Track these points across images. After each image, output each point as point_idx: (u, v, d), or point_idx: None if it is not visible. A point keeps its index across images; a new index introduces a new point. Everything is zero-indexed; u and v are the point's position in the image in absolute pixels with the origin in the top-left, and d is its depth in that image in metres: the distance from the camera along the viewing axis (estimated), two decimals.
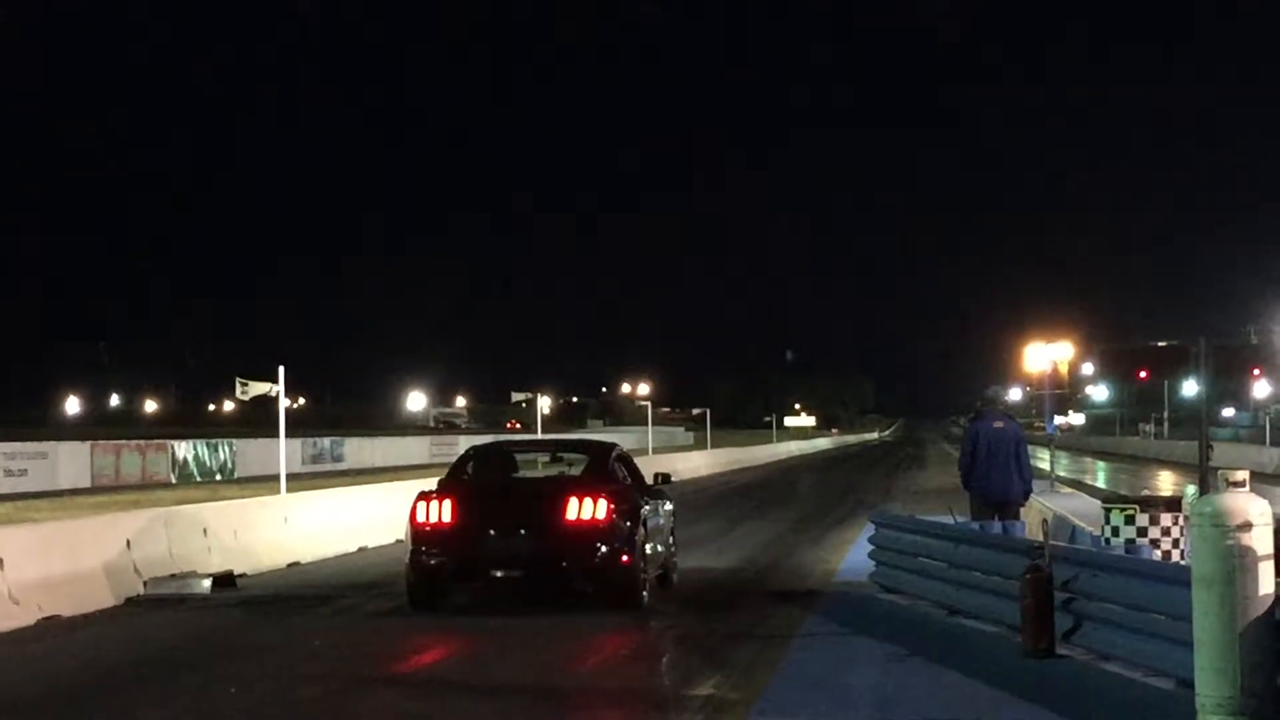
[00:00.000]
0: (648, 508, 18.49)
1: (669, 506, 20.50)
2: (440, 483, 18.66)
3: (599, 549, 17.21)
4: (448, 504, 17.59)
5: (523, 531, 17.37)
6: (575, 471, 19.84)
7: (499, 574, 17.49)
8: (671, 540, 20.35)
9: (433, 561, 17.50)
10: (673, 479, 22.60)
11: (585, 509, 17.30)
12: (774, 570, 22.54)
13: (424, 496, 17.85)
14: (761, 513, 37.20)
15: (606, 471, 18.66)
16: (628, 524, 17.51)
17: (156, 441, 56.53)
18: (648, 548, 18.04)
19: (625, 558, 17.31)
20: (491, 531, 17.43)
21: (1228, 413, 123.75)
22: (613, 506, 17.42)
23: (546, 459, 21.72)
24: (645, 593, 17.73)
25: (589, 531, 17.24)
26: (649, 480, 20.25)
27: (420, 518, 17.61)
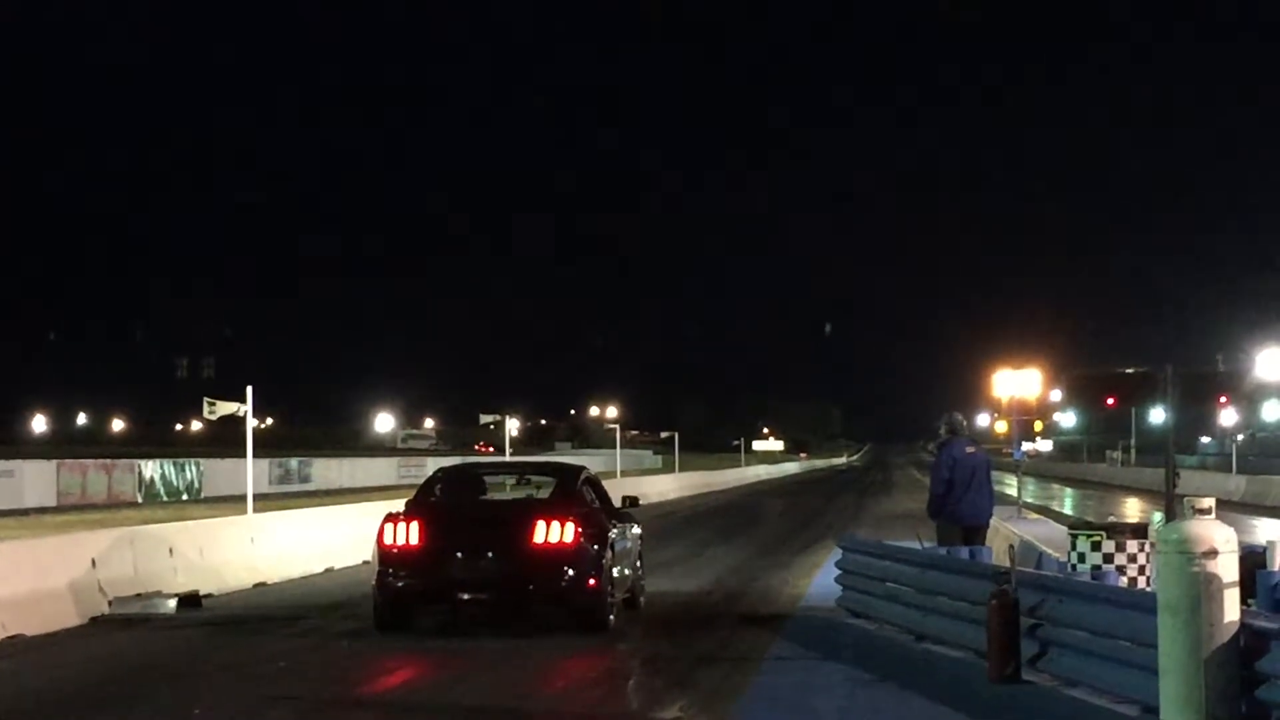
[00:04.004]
0: (615, 531, 18.48)
1: (636, 530, 20.48)
2: (408, 504, 18.58)
3: (566, 572, 17.22)
4: (415, 526, 17.52)
5: (490, 554, 17.36)
6: (543, 494, 19.72)
7: (466, 596, 17.56)
8: (639, 563, 20.33)
9: (400, 584, 17.44)
10: (641, 502, 22.69)
11: (553, 532, 17.27)
12: (741, 594, 22.53)
13: (391, 518, 17.74)
14: (729, 536, 37.17)
15: (574, 495, 18.65)
16: (595, 547, 17.52)
17: (123, 461, 56.35)
18: (615, 571, 18.05)
19: (592, 581, 17.33)
20: (459, 554, 17.40)
21: (1205, 440, 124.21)
22: (580, 530, 17.40)
23: (515, 481, 21.59)
24: (612, 615, 17.72)
25: (556, 555, 17.23)
26: (617, 503, 20.21)
27: (388, 540, 17.53)
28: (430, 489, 19.39)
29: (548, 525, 17.34)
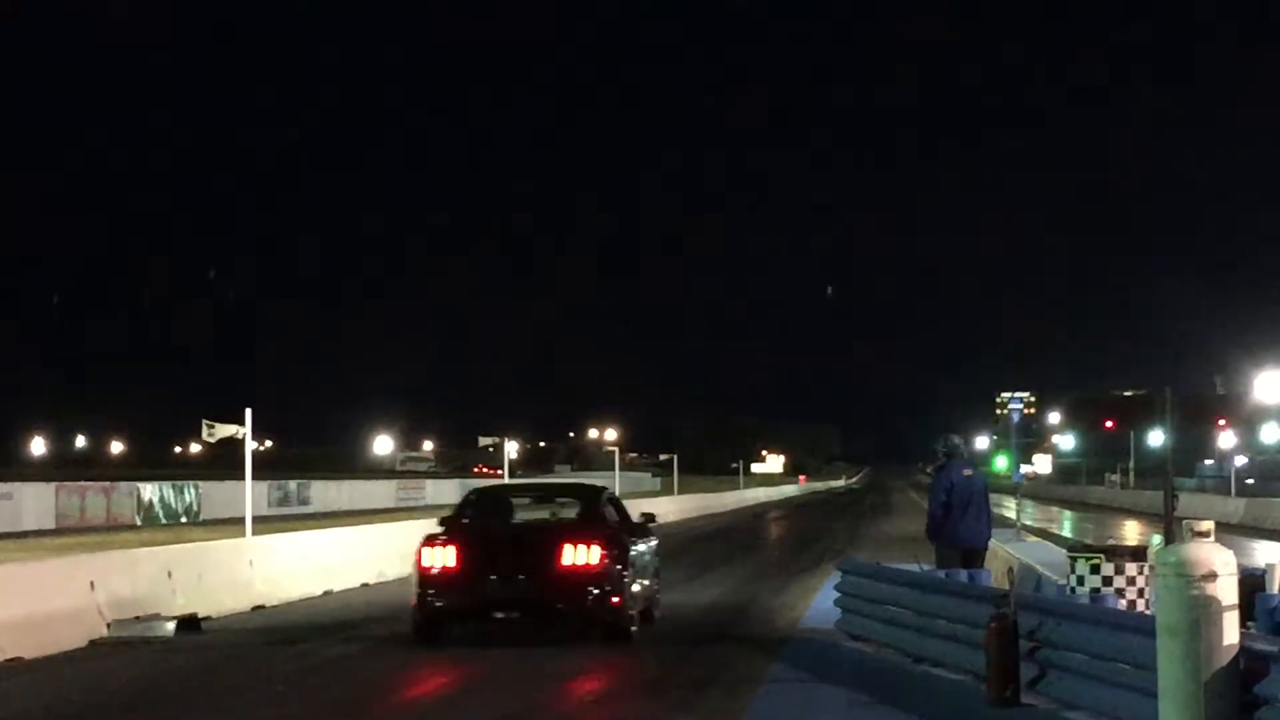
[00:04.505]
0: (636, 548, 19.52)
1: (654, 543, 21.57)
2: (445, 528, 19.43)
3: (591, 592, 18.21)
4: (452, 550, 18.53)
5: (521, 577, 18.34)
6: (568, 513, 20.90)
7: (500, 615, 18.54)
8: (656, 576, 21.42)
9: (439, 604, 18.46)
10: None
11: (579, 555, 18.27)
12: (741, 616, 22.52)
13: (429, 541, 18.75)
14: (728, 559, 37.17)
15: (598, 516, 19.70)
16: (618, 567, 18.48)
17: (122, 483, 56.32)
18: (635, 585, 19.05)
19: (615, 600, 18.34)
20: (493, 577, 18.37)
21: (1209, 462, 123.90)
22: (605, 552, 18.37)
23: (540, 502, 23.06)
24: (634, 627, 18.78)
25: (582, 576, 18.22)
26: (635, 519, 21.10)
27: (426, 562, 18.51)
28: (464, 511, 20.33)
29: (574, 548, 18.32)
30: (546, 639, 18.55)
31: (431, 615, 18.52)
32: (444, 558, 18.47)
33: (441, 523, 19.86)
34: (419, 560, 18.63)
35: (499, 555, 18.66)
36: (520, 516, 21.73)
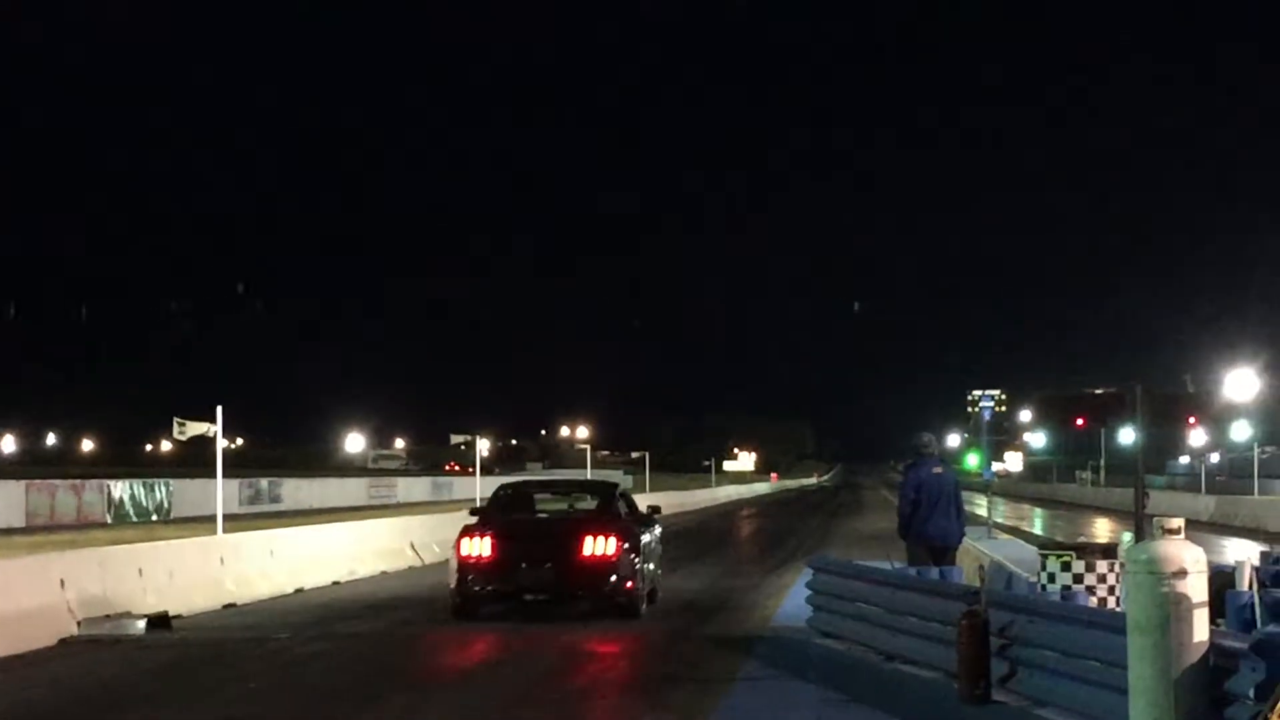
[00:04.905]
0: (644, 538, 22.26)
1: (659, 530, 24.43)
2: (479, 520, 22.07)
3: (609, 579, 21.00)
4: (488, 540, 21.18)
5: (548, 565, 21.03)
6: (584, 506, 24.23)
7: (529, 597, 21.33)
8: (659, 561, 24.15)
9: (476, 588, 21.13)
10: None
11: (598, 546, 21.02)
12: (713, 614, 22.53)
13: (467, 533, 21.36)
14: (700, 557, 37.20)
15: (613, 510, 22.64)
16: (631, 556, 21.23)
17: (92, 481, 56.11)
18: (644, 570, 21.84)
19: (629, 584, 21.14)
20: (523, 564, 21.06)
21: (1184, 459, 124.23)
22: (620, 543, 21.10)
23: (560, 496, 26.20)
24: (644, 606, 21.65)
25: (601, 565, 21.00)
26: (643, 510, 24.10)
27: (465, 551, 21.19)
28: (495, 504, 23.11)
29: (594, 540, 21.06)
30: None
31: (470, 597, 21.15)
32: (480, 547, 21.10)
33: (474, 513, 22.73)
34: (458, 549, 21.22)
35: (528, 546, 21.30)
36: (542, 509, 24.34)
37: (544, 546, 21.35)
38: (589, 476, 71.40)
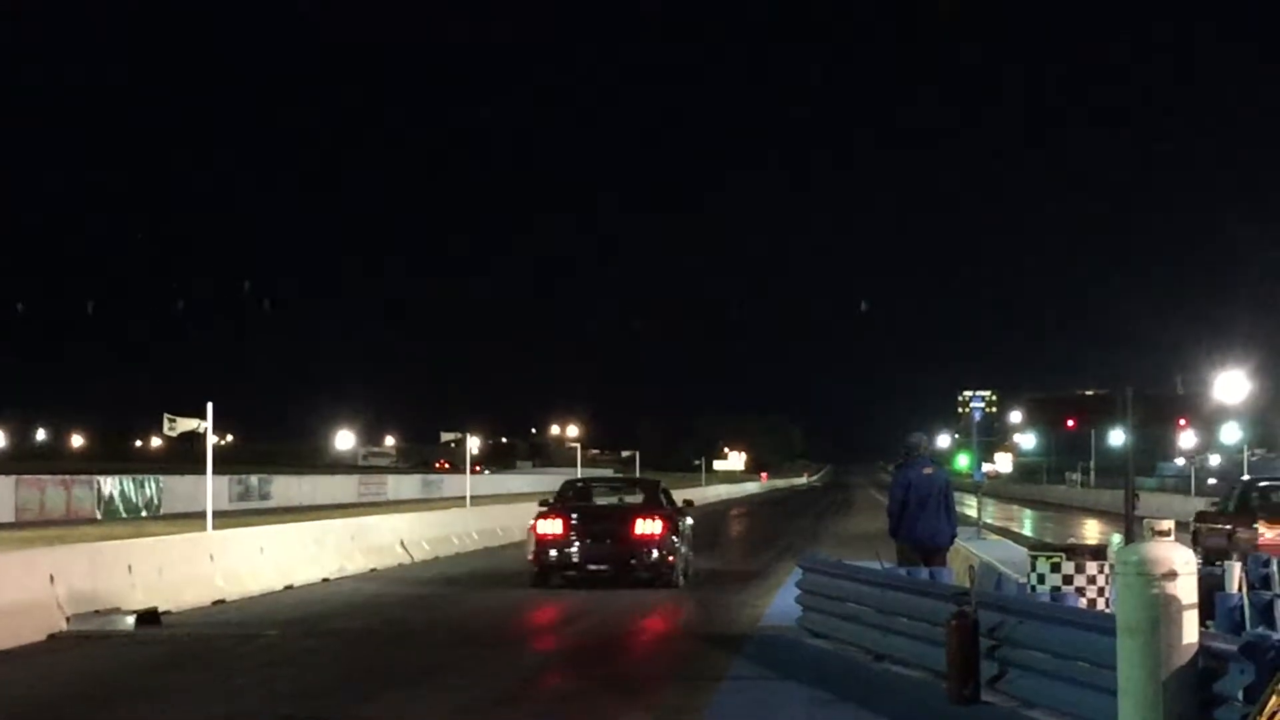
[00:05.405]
0: (683, 524, 27.42)
1: (690, 520, 29.21)
2: (551, 505, 27.32)
3: (655, 553, 26.13)
4: (559, 522, 26.45)
5: (608, 540, 26.31)
6: (632, 499, 28.94)
7: (592, 568, 26.22)
8: (691, 544, 28.94)
9: (550, 560, 26.29)
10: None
11: (648, 527, 26.27)
12: (702, 614, 22.53)
13: (542, 515, 26.72)
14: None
15: (657, 500, 27.84)
16: (673, 537, 26.39)
17: (82, 477, 55.99)
18: (682, 549, 26.87)
19: (670, 558, 26.29)
20: (589, 540, 26.30)
21: (1179, 461, 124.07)
22: (664, 525, 26.36)
23: (613, 491, 31.16)
24: (682, 579, 26.62)
25: (650, 542, 26.20)
26: (679, 503, 29.28)
27: (541, 530, 26.40)
28: (564, 495, 28.52)
29: (645, 522, 26.34)
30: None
31: (544, 567, 26.32)
32: (554, 527, 26.34)
33: (543, 504, 27.61)
34: (534, 528, 26.52)
35: (592, 527, 26.56)
36: (599, 500, 29.46)
37: (604, 526, 26.61)
38: (577, 474, 71.73)
